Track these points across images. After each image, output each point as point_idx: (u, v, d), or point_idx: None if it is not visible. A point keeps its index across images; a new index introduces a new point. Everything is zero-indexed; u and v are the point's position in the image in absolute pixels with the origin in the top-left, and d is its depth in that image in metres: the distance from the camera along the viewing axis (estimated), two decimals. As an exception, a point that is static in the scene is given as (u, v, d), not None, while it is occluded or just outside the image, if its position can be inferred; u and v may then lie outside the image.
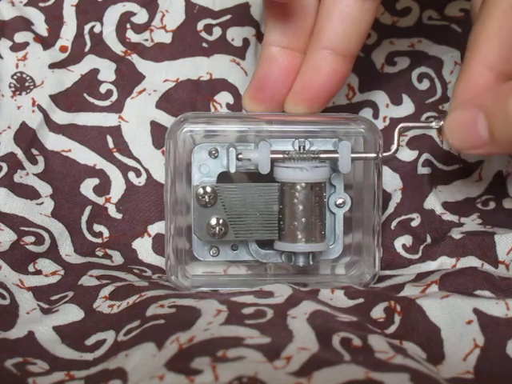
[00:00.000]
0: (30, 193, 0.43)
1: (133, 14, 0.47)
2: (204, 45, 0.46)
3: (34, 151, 0.44)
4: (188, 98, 0.46)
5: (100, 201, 0.44)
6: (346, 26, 0.37)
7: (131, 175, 0.44)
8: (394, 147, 0.38)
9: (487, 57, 0.35)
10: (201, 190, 0.38)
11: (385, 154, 0.38)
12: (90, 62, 0.46)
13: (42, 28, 0.46)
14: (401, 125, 0.38)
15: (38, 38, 0.46)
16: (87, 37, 0.46)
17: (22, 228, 0.41)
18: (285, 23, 0.38)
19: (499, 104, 0.34)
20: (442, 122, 0.36)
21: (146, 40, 0.47)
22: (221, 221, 0.38)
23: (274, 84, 0.39)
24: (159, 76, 0.46)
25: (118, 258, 0.43)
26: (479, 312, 0.34)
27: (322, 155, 0.38)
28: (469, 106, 0.35)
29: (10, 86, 0.45)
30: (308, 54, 0.38)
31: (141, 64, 0.46)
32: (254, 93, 0.39)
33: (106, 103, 0.45)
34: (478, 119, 0.34)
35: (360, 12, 0.37)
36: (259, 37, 0.47)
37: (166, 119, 0.45)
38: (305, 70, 0.38)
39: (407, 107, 0.46)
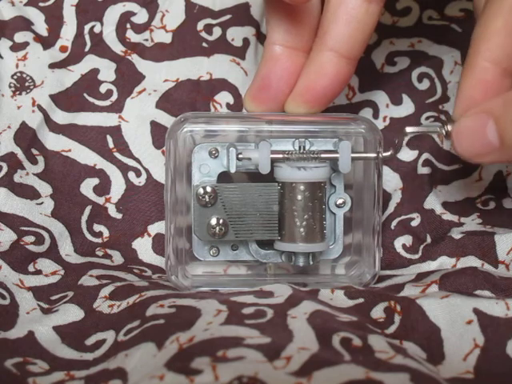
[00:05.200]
0: (30, 193, 0.43)
1: (133, 13, 0.47)
2: (204, 45, 0.46)
3: (34, 151, 0.44)
4: (188, 98, 0.46)
5: (100, 201, 0.44)
6: (352, 29, 0.37)
7: (131, 175, 0.44)
8: (396, 148, 0.38)
9: (492, 52, 0.35)
10: (201, 190, 0.38)
11: (385, 154, 0.38)
12: (90, 61, 0.46)
13: (42, 28, 0.46)
14: (406, 128, 0.37)
15: (38, 38, 0.46)
16: (87, 37, 0.46)
17: (22, 228, 0.41)
18: (289, 22, 0.38)
19: (510, 109, 0.34)
20: (449, 127, 0.36)
21: (146, 40, 0.47)
22: (221, 221, 0.38)
23: (276, 84, 0.39)
24: (159, 76, 0.46)
25: (118, 257, 0.43)
26: (479, 312, 0.34)
27: (322, 155, 0.38)
28: (477, 111, 0.35)
29: (9, 86, 0.45)
30: (312, 56, 0.38)
31: (141, 64, 0.46)
32: (256, 92, 0.39)
33: (106, 103, 0.45)
34: (487, 125, 0.34)
35: (365, 15, 0.37)
36: (259, 37, 0.47)
37: (166, 119, 0.45)
38: (308, 71, 0.38)
39: (407, 107, 0.46)
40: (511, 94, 0.34)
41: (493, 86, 0.35)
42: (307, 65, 0.38)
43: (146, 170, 0.44)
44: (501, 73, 0.35)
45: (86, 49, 0.46)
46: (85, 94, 0.46)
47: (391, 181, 0.44)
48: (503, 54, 0.35)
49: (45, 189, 0.43)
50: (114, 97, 0.45)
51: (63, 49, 0.46)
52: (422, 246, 0.42)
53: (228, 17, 0.47)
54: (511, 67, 0.35)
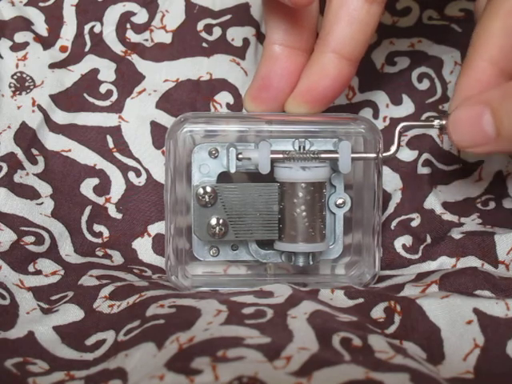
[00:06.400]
0: (30, 193, 0.43)
1: (133, 13, 0.47)
2: (204, 45, 0.46)
3: (34, 151, 0.44)
4: (188, 98, 0.46)
5: (100, 201, 0.44)
6: (354, 30, 0.37)
7: (131, 175, 0.44)
8: (394, 147, 0.38)
9: (491, 53, 0.36)
10: (201, 190, 0.38)
11: (385, 154, 0.38)
12: (90, 61, 0.46)
13: (41, 28, 0.46)
14: (401, 124, 0.38)
15: (38, 38, 0.46)
16: (87, 37, 0.46)
17: (22, 228, 0.41)
18: (287, 23, 0.38)
19: (507, 101, 0.34)
20: (443, 121, 0.36)
21: (146, 40, 0.47)
22: (221, 221, 0.38)
23: (276, 83, 0.39)
24: (159, 76, 0.46)
25: (117, 257, 0.43)
26: (479, 312, 0.34)
27: (322, 155, 0.38)
28: (474, 102, 0.35)
29: (9, 86, 0.45)
30: (314, 57, 0.38)
31: (141, 64, 0.46)
32: (256, 92, 0.39)
33: (106, 103, 0.45)
34: (484, 116, 0.34)
35: (367, 16, 0.37)
36: (259, 37, 0.47)
37: (166, 119, 0.45)
38: (310, 72, 0.38)
39: (407, 107, 0.46)
40: (510, 85, 0.34)
41: (489, 85, 0.36)
42: (309, 66, 0.38)
43: (146, 170, 0.44)
44: (497, 72, 0.36)
45: (86, 49, 0.46)
46: (85, 94, 0.45)
47: (391, 181, 0.44)
48: (500, 54, 0.35)
49: (45, 189, 0.43)
50: (114, 97, 0.45)
51: (63, 49, 0.46)
52: (422, 246, 0.42)
53: (228, 17, 0.47)
54: (508, 68, 0.36)
